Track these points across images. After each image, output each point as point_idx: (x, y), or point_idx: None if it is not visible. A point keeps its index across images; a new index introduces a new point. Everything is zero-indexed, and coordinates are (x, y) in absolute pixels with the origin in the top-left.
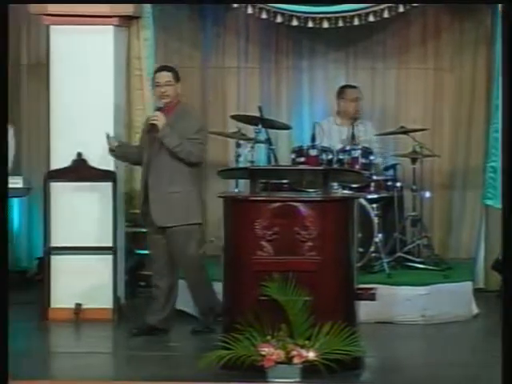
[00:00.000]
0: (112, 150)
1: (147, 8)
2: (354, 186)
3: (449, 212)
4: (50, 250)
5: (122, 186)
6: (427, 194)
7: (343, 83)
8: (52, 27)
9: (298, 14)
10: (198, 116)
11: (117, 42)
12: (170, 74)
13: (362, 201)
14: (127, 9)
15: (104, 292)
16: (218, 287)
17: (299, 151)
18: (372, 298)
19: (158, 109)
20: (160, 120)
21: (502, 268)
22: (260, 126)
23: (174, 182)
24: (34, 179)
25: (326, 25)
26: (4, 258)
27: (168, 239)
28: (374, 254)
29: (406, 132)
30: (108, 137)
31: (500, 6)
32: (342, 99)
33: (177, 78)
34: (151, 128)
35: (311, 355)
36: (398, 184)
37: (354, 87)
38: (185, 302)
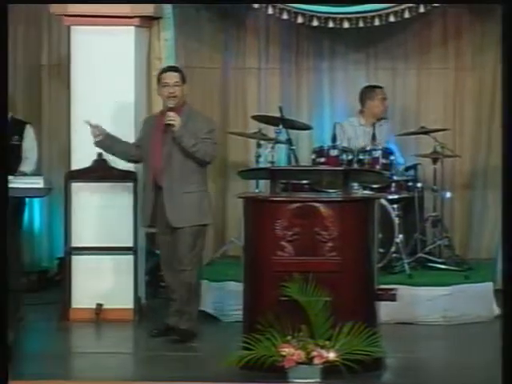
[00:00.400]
0: (97, 141)
1: (168, 9)
2: (375, 186)
3: (470, 212)
4: (71, 250)
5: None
6: (448, 195)
7: (364, 84)
8: (73, 28)
9: (319, 15)
10: (207, 117)
11: (137, 42)
12: (177, 74)
13: (383, 201)
14: (148, 9)
15: (125, 292)
16: (239, 287)
17: (320, 152)
18: (392, 298)
19: (170, 109)
20: (176, 120)
21: (503, 267)
22: (281, 127)
23: (188, 183)
24: (54, 179)
25: (346, 25)
26: (4, 258)
27: (177, 239)
28: (394, 255)
29: (426, 132)
30: (91, 125)
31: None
32: (370, 99)
33: (183, 79)
34: (166, 128)
35: (332, 356)
36: (419, 184)
37: (380, 87)
38: (203, 302)
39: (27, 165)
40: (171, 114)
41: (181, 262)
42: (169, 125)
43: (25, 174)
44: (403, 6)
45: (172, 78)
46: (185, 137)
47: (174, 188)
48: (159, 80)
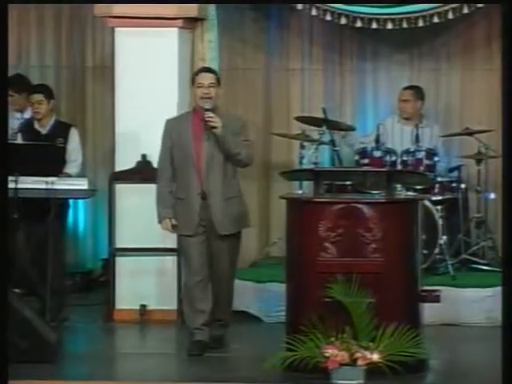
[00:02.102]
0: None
1: (211, 10)
2: (418, 187)
3: None
4: (115, 252)
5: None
6: (492, 196)
7: (407, 84)
8: (117, 29)
9: (362, 16)
10: (239, 117)
11: (181, 44)
12: (212, 75)
13: (427, 202)
14: (192, 11)
15: (168, 293)
16: (282, 288)
17: (363, 153)
18: (436, 300)
19: (207, 110)
20: (217, 121)
21: (503, 267)
22: (324, 128)
23: (229, 187)
24: (98, 181)
25: (390, 26)
26: (5, 259)
27: (221, 247)
28: (438, 256)
29: (470, 133)
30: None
31: None
32: (398, 99)
33: (218, 81)
34: (207, 130)
35: (375, 357)
36: (463, 185)
37: (408, 88)
38: (246, 302)
39: (72, 167)
40: (211, 114)
41: (226, 273)
42: (209, 126)
43: (69, 176)
44: (447, 7)
45: (207, 78)
46: (228, 137)
47: (219, 193)
48: (193, 81)
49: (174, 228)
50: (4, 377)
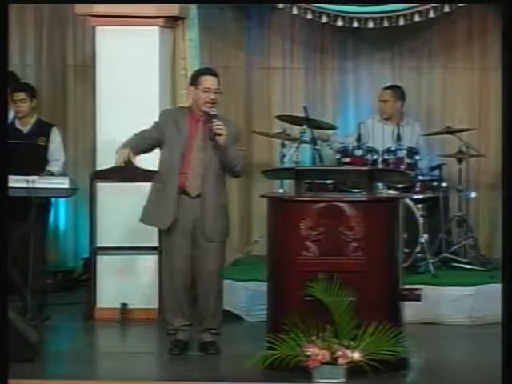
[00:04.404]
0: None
1: (192, 9)
2: (400, 186)
3: (495, 212)
4: (96, 250)
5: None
6: (473, 194)
7: (388, 83)
8: (98, 28)
9: (343, 14)
10: (235, 124)
11: (162, 42)
12: (216, 79)
13: (408, 201)
14: (172, 10)
15: (149, 292)
16: (264, 287)
17: (344, 151)
18: (417, 298)
19: (214, 116)
20: (224, 131)
21: (503, 266)
22: (305, 127)
23: (221, 194)
24: (79, 179)
25: (371, 25)
26: (4, 259)
27: (208, 254)
28: (419, 255)
29: (452, 132)
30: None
31: None
32: (378, 100)
33: (219, 83)
34: (211, 136)
35: (356, 356)
36: (444, 184)
37: (387, 88)
38: (227, 301)
39: (54, 166)
40: (219, 123)
41: (212, 279)
42: (215, 134)
43: (51, 174)
44: (428, 6)
45: (214, 83)
46: (230, 149)
47: (213, 199)
48: (197, 82)
49: (127, 164)
50: (4, 377)
